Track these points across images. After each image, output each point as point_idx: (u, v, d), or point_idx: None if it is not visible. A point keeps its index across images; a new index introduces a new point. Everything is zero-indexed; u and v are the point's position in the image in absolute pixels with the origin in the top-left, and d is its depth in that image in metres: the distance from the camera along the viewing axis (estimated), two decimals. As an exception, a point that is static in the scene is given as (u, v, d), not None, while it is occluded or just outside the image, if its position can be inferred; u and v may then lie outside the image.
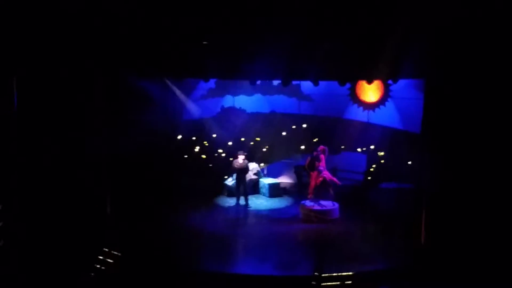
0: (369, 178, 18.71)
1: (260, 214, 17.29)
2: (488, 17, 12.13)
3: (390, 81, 16.75)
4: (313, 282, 11.80)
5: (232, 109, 20.14)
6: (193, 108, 19.70)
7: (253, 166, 19.09)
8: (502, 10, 11.98)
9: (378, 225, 15.88)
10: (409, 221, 14.57)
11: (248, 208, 17.77)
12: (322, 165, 16.60)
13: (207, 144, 19.49)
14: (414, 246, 13.85)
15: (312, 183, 16.82)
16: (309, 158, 16.98)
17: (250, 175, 18.70)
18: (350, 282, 11.86)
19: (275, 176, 20.01)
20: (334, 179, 16.78)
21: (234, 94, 20.12)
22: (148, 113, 16.95)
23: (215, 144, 19.50)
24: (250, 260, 13.48)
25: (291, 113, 19.92)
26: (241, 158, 17.74)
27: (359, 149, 18.83)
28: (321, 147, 16.81)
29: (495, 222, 12.78)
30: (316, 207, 16.48)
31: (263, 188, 19.25)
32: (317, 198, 16.77)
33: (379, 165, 18.40)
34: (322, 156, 16.60)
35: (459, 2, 12.06)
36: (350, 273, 12.01)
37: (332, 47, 13.30)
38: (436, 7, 12.10)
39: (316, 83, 14.95)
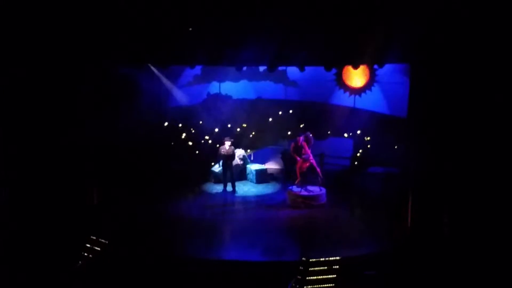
0: (356, 163, 18.75)
1: (247, 200, 17.31)
2: (474, 3, 12.16)
3: (376, 66, 16.76)
4: (301, 267, 11.83)
5: (218, 95, 20.05)
6: (179, 95, 19.61)
7: (239, 152, 19.07)
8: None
9: (365, 210, 15.99)
10: (396, 206, 14.65)
11: (235, 195, 17.78)
12: (307, 152, 16.59)
13: (193, 131, 19.42)
14: (400, 230, 13.94)
15: (297, 169, 16.82)
16: (293, 144, 16.99)
17: (236, 160, 18.66)
18: (337, 266, 11.89)
19: (262, 162, 20.02)
20: (318, 170, 16.79)
21: (220, 80, 20.04)
22: (134, 101, 16.87)
23: (201, 131, 19.44)
24: (237, 246, 13.48)
25: (278, 99, 19.86)
26: (227, 144, 17.71)
27: (345, 134, 18.83)
28: (302, 136, 16.72)
29: (482, 205, 12.86)
30: (303, 192, 16.52)
31: (250, 174, 19.25)
32: (304, 183, 16.79)
33: (365, 150, 18.45)
34: (304, 144, 16.58)
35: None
36: (337, 258, 12.04)
37: (318, 33, 13.27)
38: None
39: (302, 69, 14.95)
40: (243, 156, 19.28)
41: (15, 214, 13.36)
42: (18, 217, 13.37)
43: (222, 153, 17.73)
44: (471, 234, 12.79)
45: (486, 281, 11.64)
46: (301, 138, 16.62)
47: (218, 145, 18.09)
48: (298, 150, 16.68)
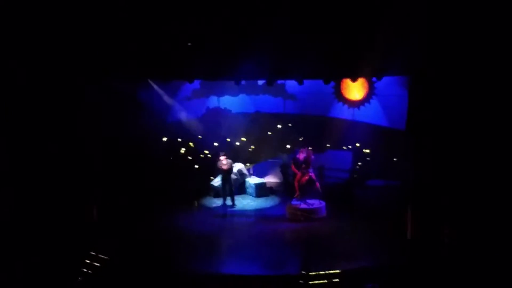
0: (355, 175, 18.76)
1: (247, 214, 17.28)
2: (472, 16, 12.24)
3: (374, 79, 16.82)
4: (301, 281, 11.81)
5: (217, 109, 20.11)
6: (178, 109, 19.66)
7: (239, 167, 19.07)
8: (486, 11, 12.10)
9: (364, 222, 15.92)
10: (396, 218, 14.63)
11: (235, 208, 17.76)
12: (309, 167, 16.61)
13: (192, 145, 19.45)
14: (400, 242, 13.91)
15: (295, 183, 16.81)
16: (292, 161, 17.08)
17: (233, 176, 18.58)
18: (337, 280, 11.89)
19: (261, 175, 20.02)
20: (317, 183, 16.78)
21: (219, 94, 20.10)
22: (133, 116, 16.90)
23: (200, 145, 19.47)
24: (237, 260, 13.43)
25: (277, 112, 19.94)
26: (223, 159, 17.74)
27: (344, 147, 18.87)
28: (302, 153, 16.73)
29: (481, 216, 12.85)
30: (303, 205, 16.50)
31: (249, 188, 19.24)
32: (304, 196, 16.77)
33: (365, 162, 18.46)
34: (307, 158, 16.61)
35: (444, 4, 12.19)
36: (337, 271, 12.03)
37: (316, 46, 13.33)
38: (420, 8, 12.20)
39: (300, 82, 14.99)
40: (240, 171, 19.22)
41: (16, 230, 13.36)
42: (19, 233, 13.37)
43: (221, 167, 17.74)
44: (472, 244, 12.76)
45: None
46: (302, 155, 16.61)
47: (217, 159, 18.12)
48: (298, 164, 16.69)
